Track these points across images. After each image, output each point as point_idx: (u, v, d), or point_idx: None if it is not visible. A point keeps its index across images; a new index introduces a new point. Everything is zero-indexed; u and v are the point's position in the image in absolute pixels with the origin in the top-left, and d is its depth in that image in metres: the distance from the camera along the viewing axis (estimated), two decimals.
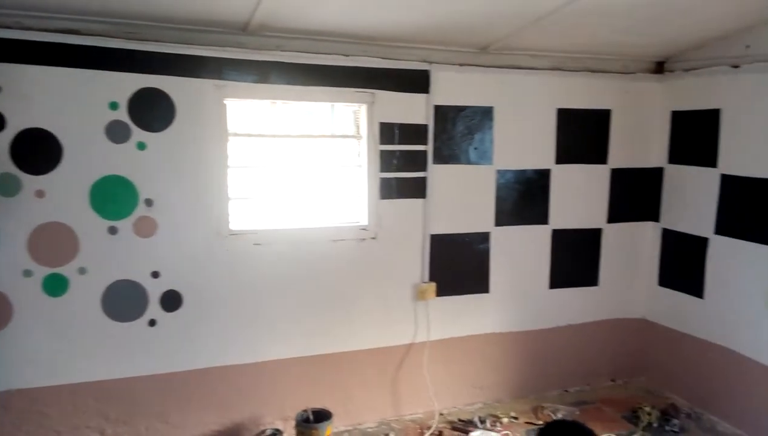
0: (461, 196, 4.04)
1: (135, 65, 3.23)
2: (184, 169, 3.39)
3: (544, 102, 4.17)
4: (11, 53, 3.02)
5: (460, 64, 3.89)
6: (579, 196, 4.37)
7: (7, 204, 3.11)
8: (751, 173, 3.81)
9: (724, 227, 4.01)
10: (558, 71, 4.16)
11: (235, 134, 3.55)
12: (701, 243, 4.16)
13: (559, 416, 4.09)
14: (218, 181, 3.47)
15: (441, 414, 4.05)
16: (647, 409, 4.07)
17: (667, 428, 3.95)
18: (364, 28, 3.41)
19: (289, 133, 3.72)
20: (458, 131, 3.97)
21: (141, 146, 3.29)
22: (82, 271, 3.26)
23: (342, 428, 3.86)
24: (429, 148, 3.89)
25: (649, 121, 4.46)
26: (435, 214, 3.97)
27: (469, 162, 4.03)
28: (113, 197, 3.27)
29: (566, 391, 4.51)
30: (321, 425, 3.45)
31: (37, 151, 3.12)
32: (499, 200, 4.15)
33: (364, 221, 3.83)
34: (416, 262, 3.97)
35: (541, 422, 4.01)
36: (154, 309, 3.43)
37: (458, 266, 4.10)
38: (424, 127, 3.86)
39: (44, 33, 3.06)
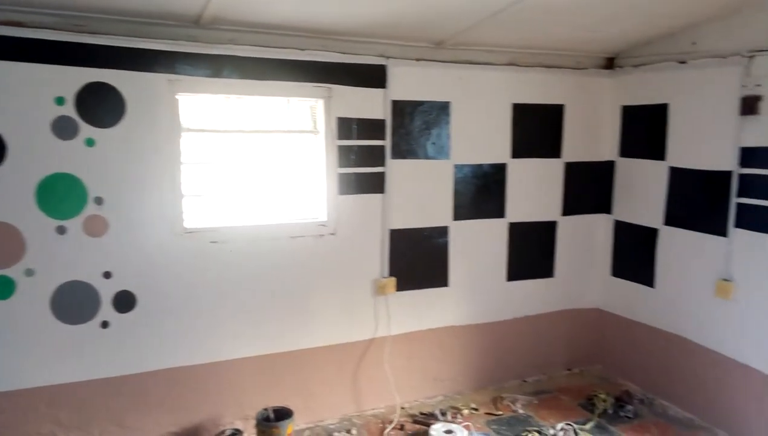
0: (420, 191, 4.06)
1: (83, 59, 3.12)
2: (135, 166, 3.30)
3: (499, 97, 4.23)
4: None
5: (417, 59, 3.90)
6: (534, 189, 4.45)
7: None
8: (697, 166, 3.95)
9: (672, 218, 4.15)
10: (513, 67, 4.22)
11: (189, 130, 3.47)
12: (651, 234, 4.29)
13: (518, 405, 4.16)
14: (171, 178, 3.39)
15: (402, 408, 4.07)
16: (602, 396, 4.17)
17: (621, 414, 4.06)
18: (320, 22, 3.38)
19: (245, 129, 3.66)
20: (416, 126, 3.98)
21: (90, 142, 3.18)
22: (29, 272, 3.14)
23: (303, 426, 3.84)
24: (387, 143, 3.89)
25: (601, 116, 4.57)
26: (394, 209, 3.97)
27: (426, 157, 4.05)
28: (61, 196, 3.16)
29: (524, 381, 4.59)
30: (282, 423, 3.43)
31: None
32: (457, 195, 4.18)
33: (322, 216, 3.81)
34: (376, 257, 3.97)
35: (501, 412, 4.08)
36: (106, 310, 3.33)
37: (418, 260, 4.12)
38: (382, 123, 3.86)
39: None
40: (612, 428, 3.90)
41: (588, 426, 3.89)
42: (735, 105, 3.65)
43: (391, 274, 4.02)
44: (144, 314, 3.41)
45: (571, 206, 4.59)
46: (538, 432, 3.74)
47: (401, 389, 4.10)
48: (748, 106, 3.57)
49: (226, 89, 3.50)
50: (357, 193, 3.85)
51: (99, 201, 3.23)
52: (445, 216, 4.17)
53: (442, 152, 4.09)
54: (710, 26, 3.82)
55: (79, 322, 3.28)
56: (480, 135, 4.20)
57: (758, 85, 3.54)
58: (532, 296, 4.56)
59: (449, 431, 3.65)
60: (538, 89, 4.33)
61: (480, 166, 4.24)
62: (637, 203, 4.42)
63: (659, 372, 4.29)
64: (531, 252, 4.53)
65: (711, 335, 3.90)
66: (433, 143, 4.05)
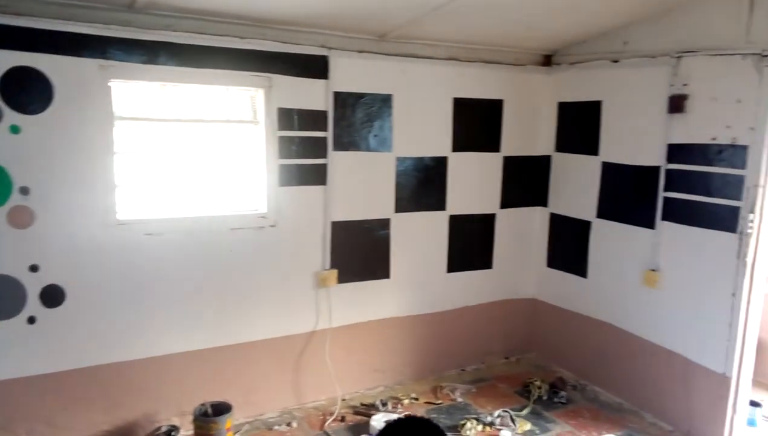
0: (362, 183, 4.06)
1: (6, 42, 2.95)
2: (64, 155, 3.15)
3: (441, 91, 4.27)
4: None
5: (359, 51, 3.90)
6: (474, 183, 4.53)
7: None
8: (627, 161, 4.11)
9: (604, 211, 4.31)
10: (454, 61, 4.27)
11: (123, 118, 3.35)
12: (585, 226, 4.45)
13: (457, 394, 4.24)
14: (103, 167, 3.26)
15: (344, 400, 4.08)
16: (537, 383, 4.31)
17: (555, 400, 4.21)
18: (260, 10, 3.32)
19: (182, 118, 3.56)
20: (358, 118, 3.97)
21: (14, 130, 3.02)
22: None
23: (243, 420, 3.79)
24: (329, 134, 3.87)
25: (538, 112, 4.69)
26: (336, 201, 3.96)
27: (369, 149, 4.05)
28: None
29: (463, 370, 4.68)
30: (220, 418, 3.38)
31: None
32: (399, 187, 4.21)
33: (263, 208, 3.75)
34: (317, 249, 3.95)
35: (440, 401, 4.15)
36: (33, 305, 3.18)
37: (359, 252, 4.12)
38: (324, 114, 3.84)
39: None
40: (546, 414, 4.03)
41: (524, 412, 4.02)
42: (663, 103, 3.82)
43: (333, 266, 4.01)
44: (74, 308, 3.28)
45: (509, 199, 4.70)
46: (476, 420, 3.83)
47: (342, 380, 4.11)
48: (675, 104, 3.74)
49: (162, 76, 3.40)
50: (298, 184, 3.81)
51: (25, 191, 3.08)
52: (386, 208, 4.19)
53: (384, 145, 4.10)
54: (641, 27, 3.98)
55: (3, 317, 3.12)
56: (421, 128, 4.23)
57: (685, 85, 3.71)
58: (472, 287, 4.65)
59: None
60: (478, 84, 4.40)
61: (421, 159, 4.28)
62: (572, 197, 4.58)
63: (591, 359, 4.47)
64: (471, 244, 4.62)
65: (639, 323, 4.09)
66: (375, 136, 4.06)
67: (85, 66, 3.15)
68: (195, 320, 3.62)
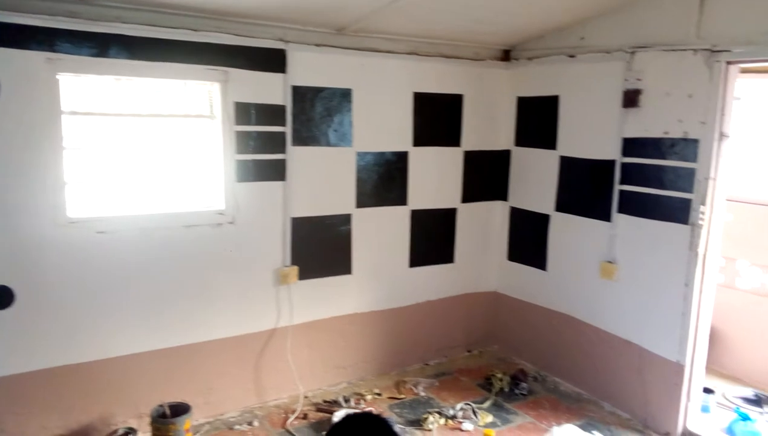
0: (322, 179, 4.02)
1: None
2: (9, 151, 3.04)
3: (401, 85, 4.26)
4: None
5: (318, 45, 3.85)
6: (435, 177, 4.54)
7: None
8: (584, 155, 4.18)
9: (562, 205, 4.37)
10: (414, 56, 4.26)
11: (73, 113, 3.24)
12: (544, 220, 4.50)
13: (420, 388, 4.25)
14: (52, 164, 3.15)
15: (306, 397, 4.05)
16: (499, 375, 4.35)
17: (516, 391, 4.26)
18: (215, 3, 3.24)
19: (135, 113, 3.46)
20: (317, 113, 3.93)
21: None
22: None
23: (203, 420, 3.73)
24: (287, 129, 3.82)
25: (498, 106, 4.72)
26: (295, 196, 3.92)
27: (329, 144, 4.02)
28: None
29: (426, 364, 4.70)
30: (178, 419, 3.31)
31: None
32: (360, 182, 4.19)
33: (220, 205, 3.68)
34: (277, 246, 3.90)
35: (403, 396, 4.15)
36: None
37: (320, 248, 4.09)
38: (282, 108, 3.79)
39: None
40: (508, 406, 4.08)
41: (486, 405, 4.05)
42: (618, 98, 3.88)
43: (293, 263, 3.97)
44: (24, 310, 3.17)
45: (470, 194, 4.73)
46: (439, 413, 3.85)
47: (304, 378, 4.08)
48: (630, 99, 3.81)
49: (113, 70, 3.30)
50: (257, 180, 3.76)
51: None
52: (347, 204, 4.16)
53: (344, 140, 4.07)
54: (597, 22, 4.03)
55: None
56: (382, 123, 4.22)
57: (639, 80, 3.78)
58: (434, 282, 4.67)
59: None
60: (438, 79, 4.41)
61: (382, 154, 4.27)
62: (531, 191, 4.63)
63: (551, 350, 4.54)
64: (432, 239, 4.63)
65: (596, 314, 4.16)
66: (335, 130, 4.03)
67: (32, 59, 3.04)
68: (151, 320, 3.54)
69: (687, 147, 3.54)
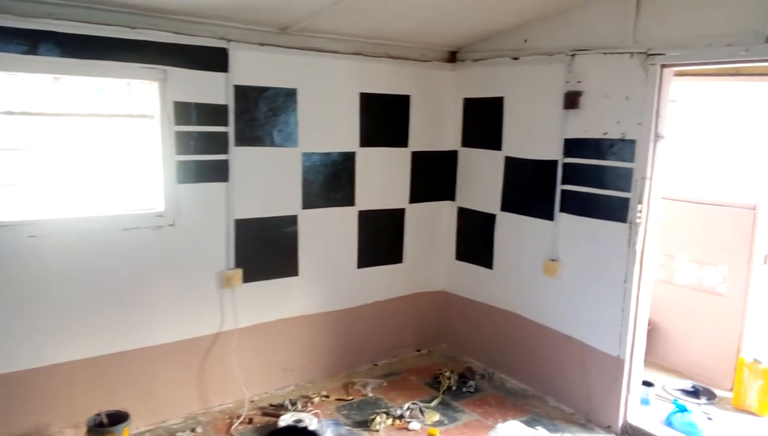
0: (267, 180, 3.97)
1: None
2: None
3: (347, 86, 4.24)
4: None
5: (261, 44, 3.80)
6: (383, 178, 4.54)
7: None
8: (528, 155, 4.25)
9: (508, 204, 4.44)
10: (360, 56, 4.25)
11: (8, 113, 3.12)
12: (490, 219, 4.56)
13: (369, 389, 4.25)
14: None
15: (252, 401, 3.99)
16: (447, 374, 4.38)
17: (464, 389, 4.29)
18: (152, 0, 3.16)
19: (71, 112, 3.35)
20: (261, 113, 3.88)
21: None
22: None
23: (144, 428, 3.63)
24: (230, 129, 3.75)
25: (445, 107, 4.76)
26: (239, 198, 3.85)
27: (273, 144, 3.97)
28: None
29: (375, 365, 4.70)
30: (116, 427, 3.21)
31: None
32: (306, 183, 4.15)
33: (160, 207, 3.59)
34: (220, 248, 3.83)
35: (351, 397, 4.14)
36: None
37: (266, 250, 4.03)
38: (224, 108, 3.72)
39: None
40: (455, 404, 4.11)
41: (433, 404, 4.07)
42: (560, 99, 3.96)
43: (238, 265, 3.90)
44: None
45: (418, 194, 4.75)
46: (386, 414, 3.85)
47: (251, 382, 4.01)
48: (570, 100, 3.89)
49: (44, 68, 3.17)
50: (198, 181, 3.67)
51: None
52: (293, 205, 4.12)
53: (289, 140, 4.03)
54: (539, 25, 4.11)
55: None
56: (328, 123, 4.19)
57: (579, 82, 3.87)
58: (382, 282, 4.67)
59: (298, 420, 3.64)
60: (384, 79, 4.41)
61: (329, 154, 4.24)
62: (478, 191, 4.68)
63: (498, 348, 4.60)
64: (381, 239, 4.63)
65: (540, 311, 4.24)
66: (280, 131, 3.98)
67: None
68: (88, 326, 3.42)
69: (625, 148, 3.64)
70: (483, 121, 4.58)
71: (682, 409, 3.85)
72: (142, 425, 3.62)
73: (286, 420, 3.62)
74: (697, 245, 4.57)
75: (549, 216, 4.10)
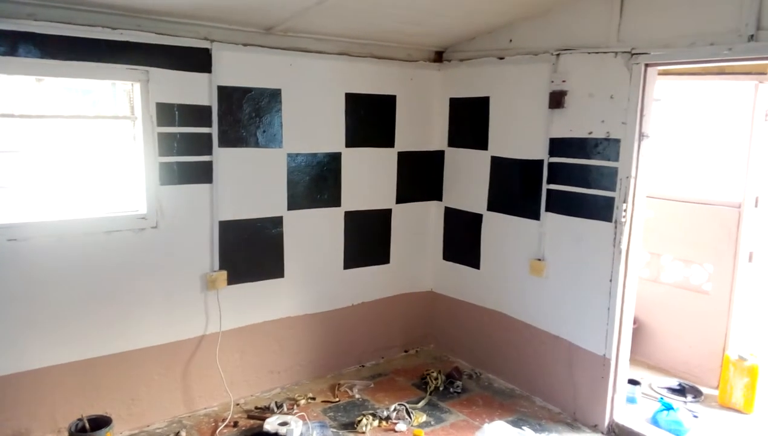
0: (251, 181, 3.94)
1: None
2: None
3: (332, 86, 4.22)
4: None
5: (245, 44, 3.77)
6: (369, 178, 4.52)
7: None
8: (513, 155, 4.24)
9: (494, 204, 4.43)
10: (345, 56, 4.23)
11: None
12: (477, 219, 4.55)
13: (355, 391, 4.23)
14: None
15: (237, 404, 3.96)
16: (434, 374, 4.37)
17: (451, 390, 4.28)
18: (133, 0, 3.13)
19: (53, 114, 3.30)
20: (245, 114, 3.85)
21: None
22: None
23: (127, 433, 3.59)
24: (214, 130, 3.72)
25: (431, 107, 4.75)
26: (224, 199, 3.82)
27: (258, 145, 3.94)
28: None
29: (362, 366, 4.68)
30: (98, 432, 3.17)
31: None
32: (291, 184, 4.12)
33: (142, 209, 3.55)
34: (204, 250, 3.80)
35: (337, 399, 4.12)
36: None
37: (251, 252, 4.00)
38: (208, 109, 3.69)
39: None
40: (442, 404, 4.10)
41: (420, 404, 4.06)
42: (545, 99, 3.96)
43: (222, 267, 3.87)
44: None
45: (405, 194, 4.74)
46: (373, 415, 3.83)
47: (236, 384, 3.99)
48: (555, 100, 3.89)
49: (24, 69, 3.13)
50: (182, 183, 3.64)
51: None
52: (279, 206, 4.09)
53: (274, 141, 4.00)
54: (524, 25, 4.11)
55: None
56: (314, 124, 4.17)
57: (564, 81, 3.87)
58: (369, 283, 4.65)
59: (284, 423, 3.61)
60: (370, 80, 4.39)
61: (314, 155, 4.22)
62: (464, 191, 4.67)
63: (484, 348, 4.59)
64: (367, 240, 4.61)
65: (527, 311, 4.24)
66: (265, 131, 3.95)
67: None
68: (69, 330, 3.38)
69: (609, 147, 3.64)
70: (469, 121, 4.57)
71: (669, 407, 3.86)
72: (125, 429, 3.58)
73: (271, 423, 3.59)
74: (682, 244, 4.58)
75: (535, 216, 4.10)
